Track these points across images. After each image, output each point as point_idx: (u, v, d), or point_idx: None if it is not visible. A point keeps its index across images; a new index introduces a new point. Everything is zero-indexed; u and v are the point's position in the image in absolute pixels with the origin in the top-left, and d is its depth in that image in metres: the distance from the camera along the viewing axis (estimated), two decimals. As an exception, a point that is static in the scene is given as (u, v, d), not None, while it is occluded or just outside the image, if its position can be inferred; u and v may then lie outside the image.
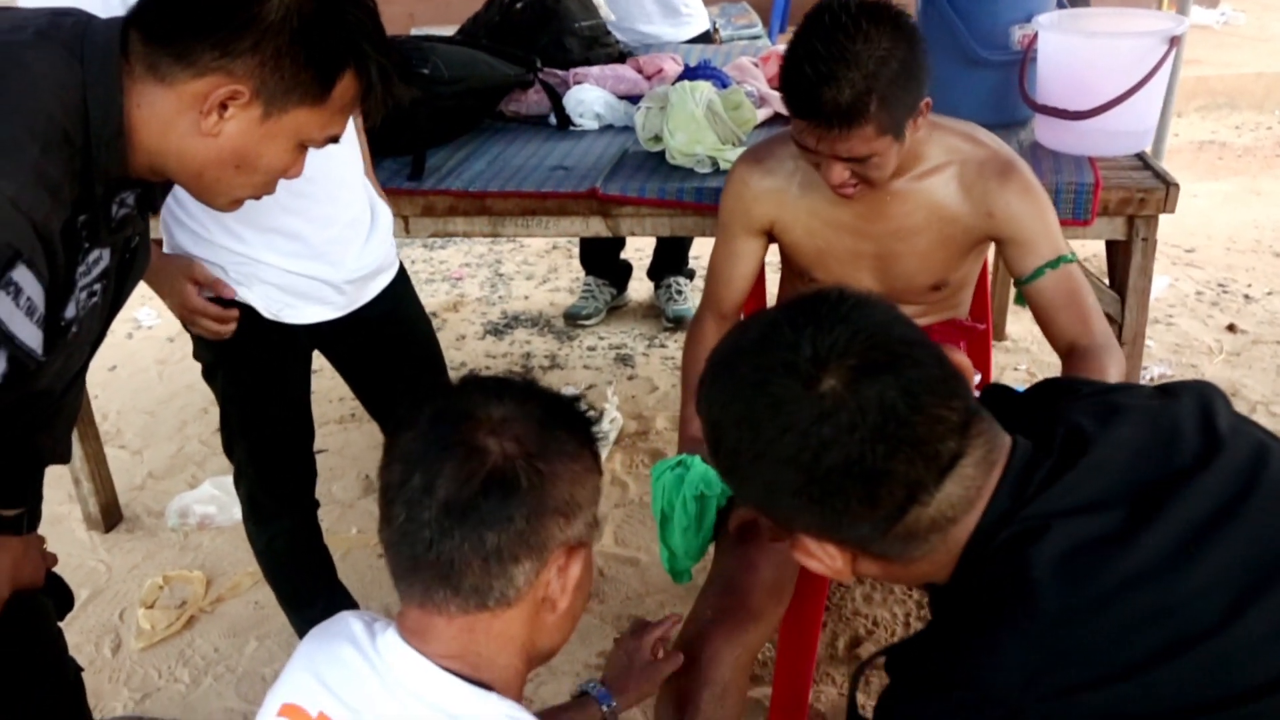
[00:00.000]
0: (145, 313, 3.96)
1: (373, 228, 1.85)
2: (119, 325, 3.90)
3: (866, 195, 1.74)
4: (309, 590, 2.14)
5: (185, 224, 1.72)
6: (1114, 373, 1.67)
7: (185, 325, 1.80)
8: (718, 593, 1.65)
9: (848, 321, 0.94)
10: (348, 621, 1.09)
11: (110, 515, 2.80)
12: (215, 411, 3.26)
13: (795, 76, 1.55)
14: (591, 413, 1.11)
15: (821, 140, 1.58)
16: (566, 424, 1.06)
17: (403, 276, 1.96)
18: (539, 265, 4.22)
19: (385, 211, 1.91)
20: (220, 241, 1.71)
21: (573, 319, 3.67)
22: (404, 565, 1.02)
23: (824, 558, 1.01)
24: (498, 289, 4.04)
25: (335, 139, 1.25)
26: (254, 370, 1.85)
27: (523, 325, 3.75)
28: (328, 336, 1.87)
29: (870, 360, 0.93)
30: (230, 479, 2.85)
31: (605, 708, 1.44)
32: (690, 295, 3.67)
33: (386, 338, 1.94)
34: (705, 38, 3.42)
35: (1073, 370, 1.73)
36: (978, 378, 2.00)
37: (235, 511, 2.78)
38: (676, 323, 3.60)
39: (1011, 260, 1.77)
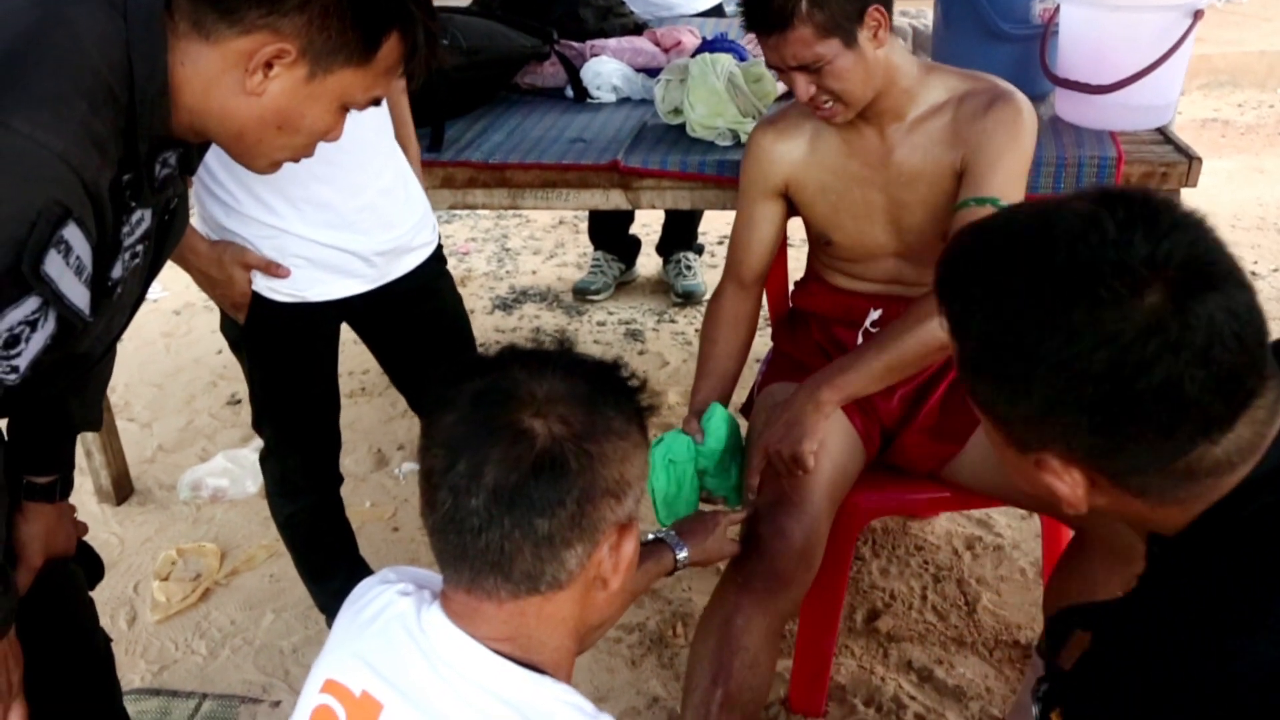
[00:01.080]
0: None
1: (405, 199, 1.84)
2: (124, 299, 3.89)
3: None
4: (331, 563, 2.14)
5: (216, 194, 1.71)
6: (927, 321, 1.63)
7: (220, 305, 1.78)
8: (749, 559, 1.66)
9: (1183, 229, 0.85)
10: (392, 595, 1.06)
11: (122, 488, 2.79)
12: (224, 384, 3.31)
13: None
14: (634, 380, 1.06)
15: (767, 48, 1.67)
16: (613, 398, 1.02)
17: (439, 256, 1.96)
18: (546, 240, 4.20)
19: (418, 186, 1.90)
20: (251, 213, 1.70)
21: (582, 294, 3.66)
22: (451, 552, 0.99)
23: (1068, 481, 0.91)
24: (505, 264, 4.03)
25: (377, 102, 1.24)
26: (281, 350, 1.84)
27: (531, 300, 3.74)
28: (357, 310, 1.87)
29: (1201, 275, 0.83)
30: (244, 451, 2.88)
31: (678, 556, 1.53)
32: (700, 270, 3.66)
33: (417, 314, 1.94)
34: (718, 11, 3.40)
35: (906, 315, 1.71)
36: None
37: (248, 484, 2.78)
38: (686, 298, 3.59)
39: (961, 185, 1.73)
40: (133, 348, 3.55)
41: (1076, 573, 1.70)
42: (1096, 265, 0.84)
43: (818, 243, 1.97)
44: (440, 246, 2.00)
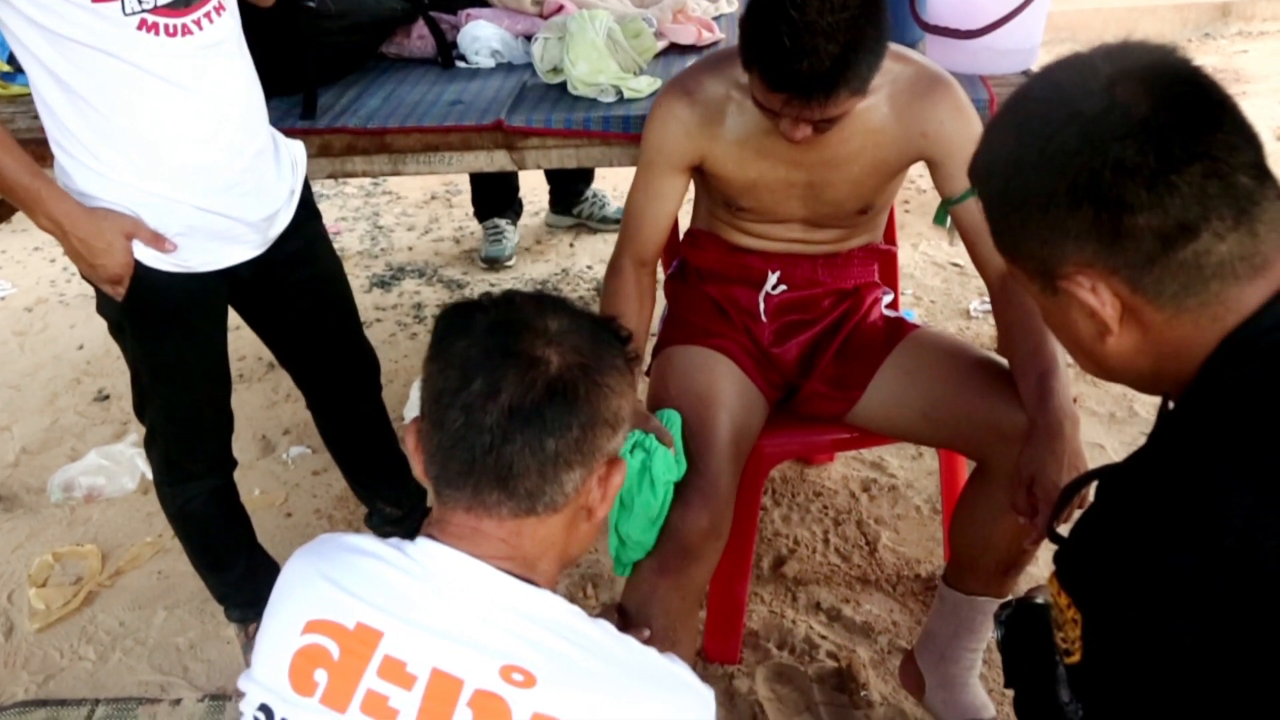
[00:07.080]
0: (-2, 283, 3.71)
1: (278, 160, 1.77)
2: (-31, 297, 3.66)
3: None
4: (229, 552, 2.05)
5: (85, 164, 1.59)
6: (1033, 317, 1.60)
7: (93, 278, 1.66)
8: (660, 540, 1.64)
9: (1139, 46, 0.94)
10: (342, 540, 1.09)
11: (-15, 495, 2.63)
12: (89, 380, 3.15)
13: (769, 48, 1.49)
14: (624, 331, 1.14)
15: (791, 106, 1.54)
16: (611, 340, 1.11)
17: (313, 214, 1.88)
18: (419, 216, 4.11)
19: (286, 143, 1.83)
20: (129, 180, 1.60)
21: (494, 263, 3.63)
22: (456, 468, 1.03)
23: (1099, 297, 0.91)
24: (379, 241, 3.93)
25: None
26: (167, 324, 1.74)
27: (409, 276, 3.66)
28: (243, 281, 1.78)
29: (1155, 69, 0.90)
30: (119, 447, 2.75)
31: None
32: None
33: (299, 280, 1.87)
34: None
35: (1006, 311, 1.71)
36: (890, 296, 2.05)
37: (126, 481, 2.66)
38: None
39: (941, 180, 1.76)
40: (-17, 348, 3.35)
41: (981, 501, 1.75)
42: (1060, 77, 0.94)
43: (724, 205, 1.89)
44: (308, 190, 1.89)
